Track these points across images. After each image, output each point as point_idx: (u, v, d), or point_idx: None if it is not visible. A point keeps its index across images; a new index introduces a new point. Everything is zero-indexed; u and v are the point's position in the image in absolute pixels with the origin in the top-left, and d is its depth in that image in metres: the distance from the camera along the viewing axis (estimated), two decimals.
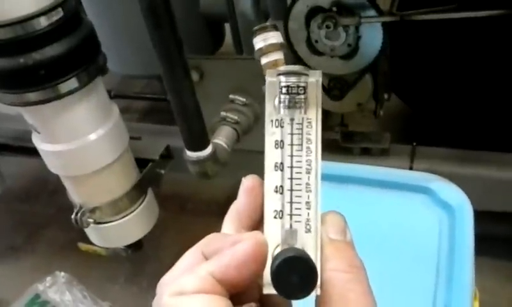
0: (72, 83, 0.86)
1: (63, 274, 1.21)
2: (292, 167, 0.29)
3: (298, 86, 0.28)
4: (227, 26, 1.28)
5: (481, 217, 1.00)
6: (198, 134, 0.84)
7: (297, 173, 0.29)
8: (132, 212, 1.09)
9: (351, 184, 0.82)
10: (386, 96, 1.02)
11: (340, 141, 1.08)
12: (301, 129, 0.29)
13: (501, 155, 1.03)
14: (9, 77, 0.81)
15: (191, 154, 0.86)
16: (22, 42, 0.78)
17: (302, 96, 0.28)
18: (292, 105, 0.29)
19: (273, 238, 0.28)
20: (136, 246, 1.18)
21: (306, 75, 0.29)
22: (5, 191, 1.48)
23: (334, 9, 0.85)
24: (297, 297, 0.26)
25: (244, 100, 1.01)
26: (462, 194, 0.75)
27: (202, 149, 0.87)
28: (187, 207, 1.54)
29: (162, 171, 1.16)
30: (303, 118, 0.28)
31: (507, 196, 1.03)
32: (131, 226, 1.11)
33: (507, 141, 1.10)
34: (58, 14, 0.80)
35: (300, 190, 0.28)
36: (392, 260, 0.67)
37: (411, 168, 1.04)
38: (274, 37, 0.31)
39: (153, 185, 1.17)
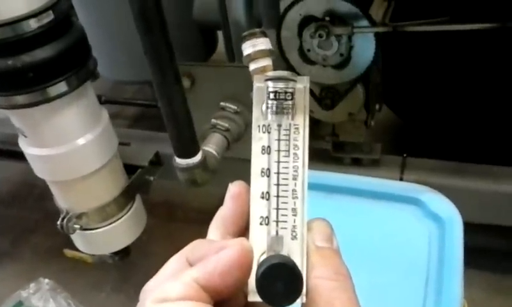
0: (61, 87, 0.85)
1: (47, 280, 1.19)
2: (278, 173, 0.28)
3: (286, 92, 0.28)
4: (220, 33, 1.28)
5: (471, 229, 1.00)
6: (188, 141, 0.83)
7: (283, 179, 0.28)
8: (120, 218, 1.08)
9: (340, 194, 0.81)
10: (377, 107, 1.02)
11: (330, 151, 1.07)
12: (289, 135, 0.28)
13: (491, 168, 1.04)
14: None
15: (180, 161, 0.85)
16: (11, 44, 0.77)
17: (289, 102, 0.28)
18: (279, 111, 0.28)
19: (259, 244, 0.27)
20: (123, 253, 1.17)
21: (294, 81, 0.28)
22: None
23: (327, 18, 0.85)
24: (282, 305, 0.25)
25: (235, 107, 1.01)
26: (452, 206, 0.74)
27: (192, 156, 0.86)
28: (176, 214, 1.53)
29: (151, 178, 1.15)
30: (290, 124, 0.28)
31: (497, 208, 1.03)
32: (118, 233, 1.10)
33: (497, 153, 1.11)
34: (49, 17, 0.79)
35: (286, 196, 0.28)
36: (381, 272, 0.67)
37: (401, 179, 1.04)
38: (263, 43, 0.30)
39: (141, 191, 1.15)
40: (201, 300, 0.25)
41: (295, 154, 0.28)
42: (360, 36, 0.87)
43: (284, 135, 0.28)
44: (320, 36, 0.87)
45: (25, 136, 0.92)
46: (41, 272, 1.31)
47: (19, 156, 1.00)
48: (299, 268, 0.26)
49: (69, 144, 0.93)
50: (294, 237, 0.27)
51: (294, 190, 0.28)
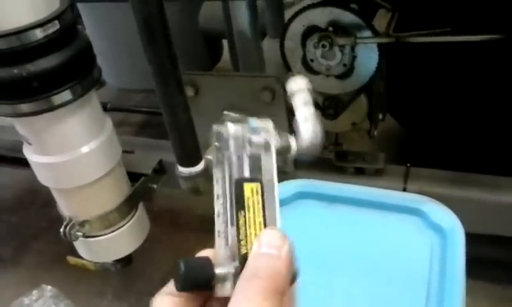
0: (66, 95, 0.86)
1: (49, 287, 1.19)
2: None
3: None
4: (225, 42, 1.29)
5: (475, 239, 1.00)
6: (191, 150, 0.83)
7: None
8: (122, 226, 1.08)
9: (342, 204, 0.81)
10: (381, 116, 1.03)
11: (333, 160, 1.07)
12: None
13: (496, 178, 1.03)
14: (3, 87, 0.80)
15: (182, 170, 0.85)
16: (17, 53, 0.78)
17: None
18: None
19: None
20: (126, 261, 1.17)
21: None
22: None
23: (330, 29, 0.86)
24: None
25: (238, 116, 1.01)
26: (454, 217, 0.74)
27: (194, 165, 0.86)
28: (179, 223, 1.53)
29: (155, 186, 1.15)
30: None
31: (500, 219, 1.02)
32: (121, 241, 1.10)
33: (501, 163, 1.10)
34: (54, 26, 0.79)
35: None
36: (382, 284, 0.67)
37: (404, 189, 1.04)
38: None
39: (144, 199, 1.16)
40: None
41: None
42: (363, 47, 0.87)
43: None
44: (323, 46, 0.87)
45: (30, 144, 0.92)
46: (44, 279, 1.31)
47: (24, 163, 1.01)
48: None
49: (73, 152, 0.93)
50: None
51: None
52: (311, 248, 0.73)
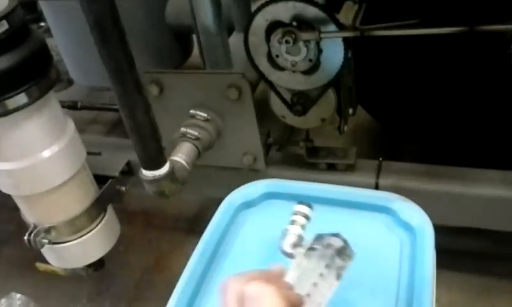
0: (21, 98, 0.82)
1: (19, 295, 1.16)
2: None
3: None
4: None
5: (449, 232, 0.99)
6: (154, 152, 0.81)
7: None
8: (91, 230, 1.05)
9: (312, 203, 0.79)
10: (351, 111, 1.01)
11: (305, 156, 1.05)
12: None
13: (468, 170, 1.02)
14: None
15: (146, 173, 0.83)
16: None
17: None
18: None
19: None
20: (97, 265, 1.14)
21: None
22: None
23: (294, 23, 0.83)
24: None
25: (206, 115, 0.98)
26: (423, 214, 0.73)
27: (158, 167, 0.83)
28: (153, 223, 1.50)
29: (123, 188, 1.12)
30: None
31: (473, 211, 1.02)
32: (90, 245, 1.07)
33: (473, 155, 1.10)
34: (2, 27, 0.76)
35: None
36: (352, 282, 0.65)
37: (377, 184, 1.03)
38: None
39: (114, 202, 1.13)
40: None
41: None
42: (329, 41, 0.85)
43: None
44: (287, 41, 0.84)
45: None
46: (15, 285, 1.28)
47: None
48: None
49: (33, 157, 0.90)
50: None
51: None
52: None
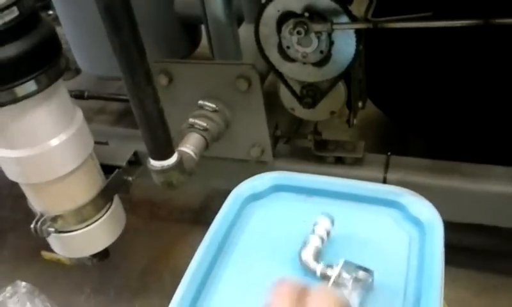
0: (30, 86, 0.82)
1: (24, 283, 1.16)
2: None
3: None
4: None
5: (457, 228, 0.99)
6: (162, 143, 0.80)
7: None
8: (97, 220, 1.05)
9: (320, 197, 0.79)
10: (360, 104, 1.00)
11: (313, 149, 1.05)
12: None
13: (478, 167, 1.02)
14: None
15: (154, 163, 0.82)
16: None
17: None
18: None
19: None
20: (102, 255, 1.14)
21: None
22: None
23: (306, 14, 0.82)
24: None
25: (214, 106, 0.98)
26: (433, 209, 0.72)
27: (166, 158, 0.83)
28: (159, 214, 1.49)
29: (130, 178, 1.12)
30: None
31: (482, 208, 1.01)
32: (96, 235, 1.07)
33: (483, 151, 1.09)
34: (12, 13, 0.75)
35: None
36: None
37: (385, 179, 1.02)
38: None
39: (120, 192, 1.12)
40: None
41: None
42: (340, 33, 0.84)
43: None
44: (298, 32, 0.83)
45: None
46: (20, 274, 1.28)
47: None
48: None
49: (41, 146, 0.90)
50: None
51: None
52: (287, 242, 0.71)
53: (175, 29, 1.33)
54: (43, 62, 0.82)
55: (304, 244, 0.65)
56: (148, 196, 1.52)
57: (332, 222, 0.67)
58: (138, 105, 0.75)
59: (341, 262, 0.62)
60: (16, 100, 0.81)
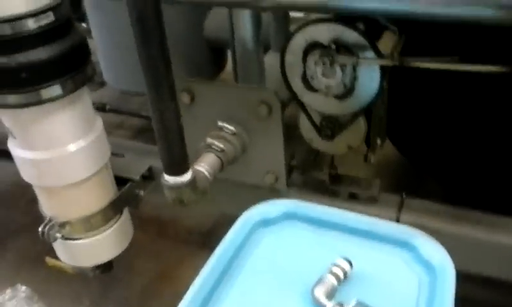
0: (55, 90, 0.83)
1: (24, 287, 1.15)
2: None
3: None
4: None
5: (467, 279, 0.96)
6: (178, 159, 0.80)
7: None
8: (105, 230, 1.05)
9: (331, 230, 0.78)
10: (379, 142, 0.99)
11: (327, 183, 1.04)
12: None
13: (493, 217, 0.99)
14: None
15: (168, 178, 0.82)
16: (8, 42, 0.76)
17: None
18: None
19: None
20: (106, 267, 1.13)
21: None
22: None
23: (333, 46, 0.83)
24: None
25: (233, 128, 0.98)
26: (445, 254, 0.71)
27: (181, 174, 0.82)
28: (166, 232, 1.49)
29: (142, 192, 1.12)
30: None
31: (495, 260, 0.98)
32: (102, 246, 1.06)
33: (500, 201, 1.06)
34: (48, 18, 0.77)
35: None
36: None
37: (397, 220, 1.00)
38: None
39: (131, 205, 1.12)
40: None
41: None
42: (365, 68, 0.84)
43: None
44: (323, 63, 0.84)
45: (14, 137, 0.90)
46: (22, 278, 1.27)
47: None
48: None
49: (59, 150, 0.91)
50: None
51: None
52: (295, 272, 0.70)
53: (202, 50, 1.36)
54: (71, 68, 0.84)
55: (319, 280, 0.65)
56: (157, 214, 1.52)
57: (351, 266, 0.68)
58: (159, 118, 0.76)
59: (353, 302, 0.61)
60: (40, 102, 0.83)
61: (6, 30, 0.75)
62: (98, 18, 1.34)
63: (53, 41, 0.79)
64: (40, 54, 0.78)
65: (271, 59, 1.15)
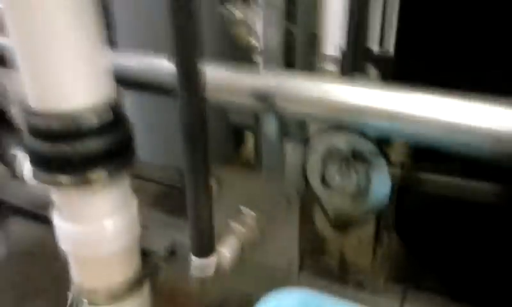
0: (102, 173, 0.93)
1: None
2: None
3: None
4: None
5: None
6: (206, 244, 0.89)
7: None
8: (126, 300, 1.11)
9: None
10: (387, 238, 1.08)
11: (334, 270, 1.12)
12: None
13: None
14: (49, 160, 0.88)
15: (195, 259, 0.91)
16: (70, 134, 0.86)
17: None
18: None
19: None
20: None
21: None
22: (5, 252, 1.48)
23: (350, 152, 0.94)
24: None
25: (254, 214, 1.08)
26: None
27: (206, 256, 0.91)
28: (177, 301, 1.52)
29: (163, 265, 1.19)
30: None
31: None
32: None
33: (503, 302, 1.11)
34: (108, 114, 0.89)
35: None
36: None
37: None
38: None
39: (150, 277, 1.19)
40: None
41: None
42: (377, 173, 0.95)
43: None
44: (340, 166, 0.95)
45: (59, 210, 0.99)
46: None
47: (42, 218, 1.04)
48: None
49: (97, 224, 0.99)
50: None
51: None
52: None
53: (227, 135, 1.45)
54: (118, 156, 0.94)
55: None
56: (170, 288, 1.55)
57: None
58: (193, 209, 0.86)
59: None
60: (88, 183, 0.93)
61: (71, 123, 0.86)
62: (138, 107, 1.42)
63: (108, 133, 0.90)
64: (95, 144, 0.88)
65: (291, 149, 1.26)
